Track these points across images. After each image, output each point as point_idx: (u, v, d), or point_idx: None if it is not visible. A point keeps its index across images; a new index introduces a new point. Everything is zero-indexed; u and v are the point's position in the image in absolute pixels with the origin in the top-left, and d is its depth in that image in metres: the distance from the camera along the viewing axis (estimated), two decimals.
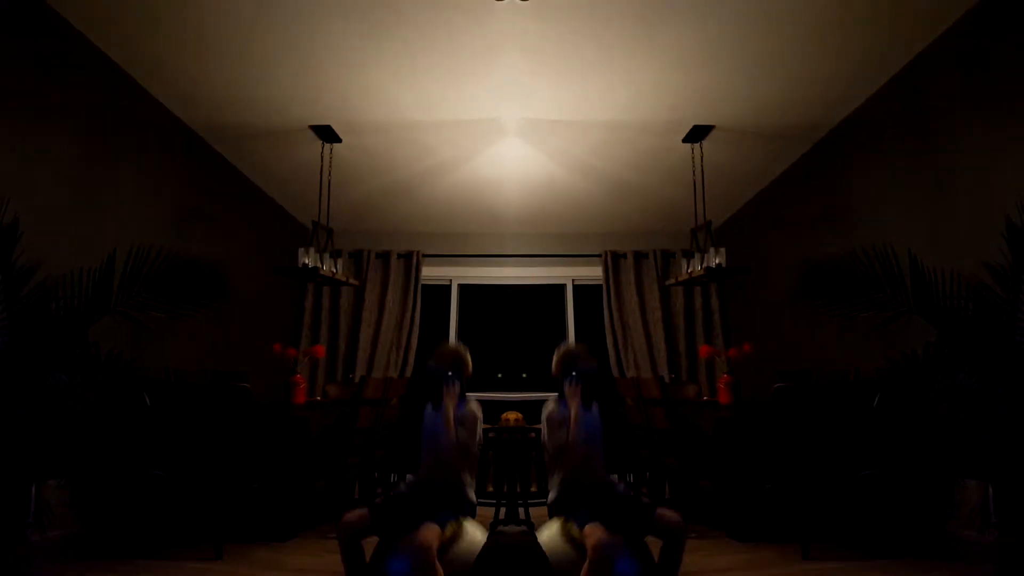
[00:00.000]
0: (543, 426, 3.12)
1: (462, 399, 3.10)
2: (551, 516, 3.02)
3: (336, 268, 5.52)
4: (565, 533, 2.86)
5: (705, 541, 4.04)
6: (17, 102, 3.66)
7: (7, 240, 3.20)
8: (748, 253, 5.95)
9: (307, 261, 5.04)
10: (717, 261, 5.04)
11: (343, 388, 5.54)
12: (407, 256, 6.95)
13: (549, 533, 2.94)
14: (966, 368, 3.23)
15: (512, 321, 7.25)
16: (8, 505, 3.05)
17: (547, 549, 2.87)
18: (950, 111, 4.13)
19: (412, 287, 6.83)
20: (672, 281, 5.67)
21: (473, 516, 3.05)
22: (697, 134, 5.15)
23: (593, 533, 2.67)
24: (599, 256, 6.97)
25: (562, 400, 3.11)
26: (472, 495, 3.03)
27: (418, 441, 3.12)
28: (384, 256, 6.97)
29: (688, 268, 5.47)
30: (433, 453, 3.00)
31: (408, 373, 6.57)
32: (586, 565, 2.61)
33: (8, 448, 3.03)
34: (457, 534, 2.87)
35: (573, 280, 7.11)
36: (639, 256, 6.95)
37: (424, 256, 6.97)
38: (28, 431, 3.10)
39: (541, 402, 3.34)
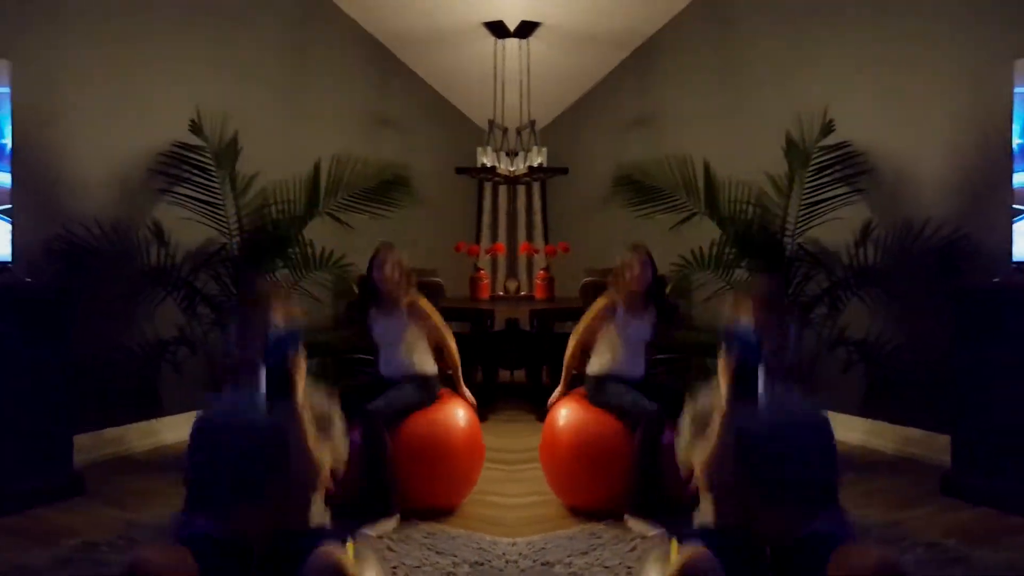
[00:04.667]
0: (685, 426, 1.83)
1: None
2: None
3: (512, 167, 5.36)
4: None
5: (518, 425, 4.34)
6: (226, 27, 4.13)
7: (231, 152, 3.60)
8: (570, 155, 6.15)
9: (485, 161, 4.99)
10: (539, 161, 5.19)
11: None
12: None
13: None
14: (743, 264, 3.66)
15: None
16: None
17: None
18: (752, 29, 4.44)
19: None
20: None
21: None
22: (525, 30, 5.14)
23: (687, 553, 1.58)
24: None
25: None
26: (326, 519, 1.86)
27: None
28: None
29: (512, 167, 5.57)
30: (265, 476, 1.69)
31: None
32: None
33: None
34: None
35: None
36: None
37: None
38: None
39: None
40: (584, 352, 3.04)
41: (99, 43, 3.55)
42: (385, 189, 3.96)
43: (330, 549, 1.64)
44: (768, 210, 3.61)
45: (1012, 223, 3.05)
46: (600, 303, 3.00)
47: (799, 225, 3.57)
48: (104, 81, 3.57)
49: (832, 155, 3.57)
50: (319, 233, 3.84)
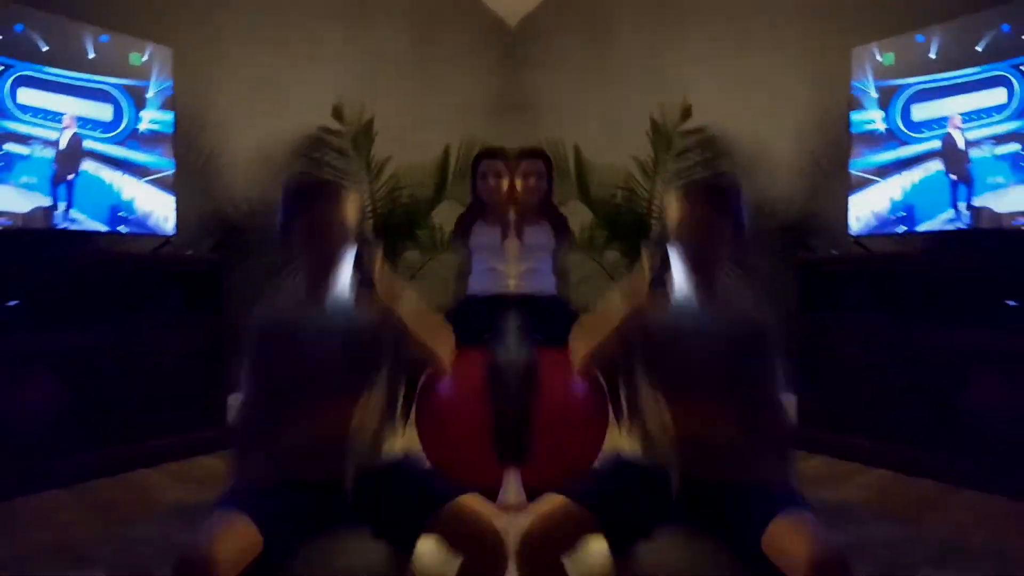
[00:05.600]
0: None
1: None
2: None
3: None
4: None
5: None
6: (361, 14, 4.37)
7: (366, 137, 3.80)
8: None
9: None
10: None
11: None
12: None
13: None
14: (614, 246, 3.85)
15: None
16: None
17: None
18: (619, 15, 4.62)
19: None
20: None
21: None
22: None
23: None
24: None
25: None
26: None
27: None
28: None
29: None
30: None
31: None
32: None
33: None
34: None
35: None
36: None
37: None
38: None
39: None
40: None
41: (251, 32, 3.94)
42: None
43: (476, 501, 1.39)
44: (636, 193, 3.81)
45: (849, 198, 3.37)
46: None
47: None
48: (255, 68, 3.93)
49: (692, 139, 3.80)
50: (445, 216, 3.87)
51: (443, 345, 1.64)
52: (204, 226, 3.65)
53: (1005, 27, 2.88)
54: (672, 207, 1.55)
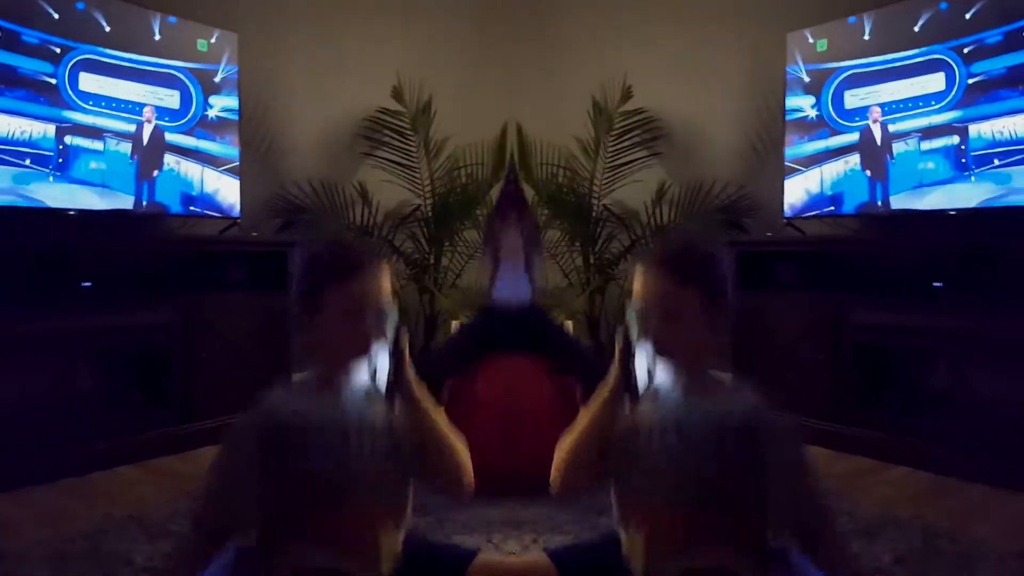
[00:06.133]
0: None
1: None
2: None
3: None
4: None
5: None
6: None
7: (426, 117, 3.80)
8: None
9: None
10: None
11: None
12: None
13: None
14: (555, 226, 3.81)
15: None
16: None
17: None
18: None
19: None
20: None
21: None
22: None
23: None
24: None
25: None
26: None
27: None
28: None
29: None
30: None
31: None
32: None
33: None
34: None
35: None
36: None
37: None
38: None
39: None
40: None
41: (312, 15, 3.90)
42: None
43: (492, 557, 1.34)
44: (577, 173, 3.78)
45: (783, 182, 3.42)
46: None
47: (604, 187, 3.77)
48: (317, 51, 3.91)
49: (632, 120, 3.79)
50: None
51: (466, 469, 1.32)
52: (269, 208, 3.67)
53: (944, 5, 2.79)
54: (635, 283, 1.27)
